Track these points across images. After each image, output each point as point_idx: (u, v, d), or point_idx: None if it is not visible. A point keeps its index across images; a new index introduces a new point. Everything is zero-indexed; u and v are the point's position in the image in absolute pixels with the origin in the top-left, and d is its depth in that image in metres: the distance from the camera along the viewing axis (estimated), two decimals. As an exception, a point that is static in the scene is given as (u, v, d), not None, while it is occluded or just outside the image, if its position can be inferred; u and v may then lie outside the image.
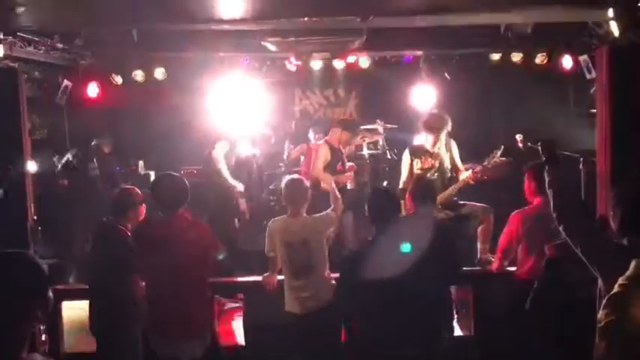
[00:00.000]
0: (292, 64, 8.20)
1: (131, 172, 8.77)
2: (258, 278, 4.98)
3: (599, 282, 2.75)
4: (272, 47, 6.90)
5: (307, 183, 4.79)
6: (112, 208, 4.55)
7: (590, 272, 2.79)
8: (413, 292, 3.54)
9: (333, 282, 4.60)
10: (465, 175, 5.95)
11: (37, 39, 5.87)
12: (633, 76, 4.73)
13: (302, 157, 8.34)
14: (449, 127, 6.04)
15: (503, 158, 5.92)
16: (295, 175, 4.98)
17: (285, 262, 4.59)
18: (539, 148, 3.27)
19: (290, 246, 4.54)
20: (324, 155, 6.58)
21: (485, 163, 5.85)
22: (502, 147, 5.88)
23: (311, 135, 8.14)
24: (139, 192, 4.57)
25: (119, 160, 8.57)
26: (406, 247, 3.62)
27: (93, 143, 8.28)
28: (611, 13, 4.94)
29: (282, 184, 4.73)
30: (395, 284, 3.51)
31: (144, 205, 4.54)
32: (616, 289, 2.16)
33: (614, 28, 5.02)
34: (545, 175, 3.17)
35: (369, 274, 3.63)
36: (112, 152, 8.44)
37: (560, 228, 3.00)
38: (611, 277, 2.36)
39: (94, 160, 8.10)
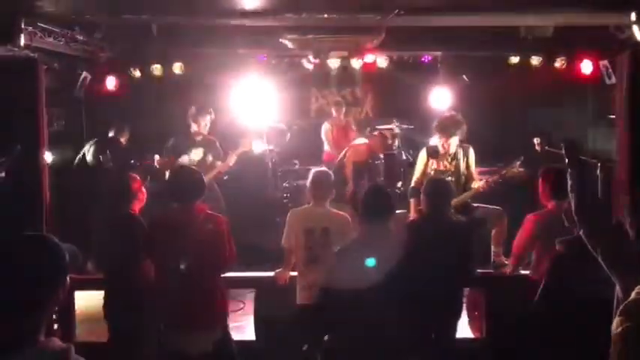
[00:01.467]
0: (310, 62, 8.21)
1: (146, 165, 8.79)
2: (270, 273, 4.99)
3: (617, 288, 2.73)
4: (290, 45, 6.91)
5: (332, 176, 4.83)
6: (121, 196, 4.64)
7: (599, 271, 2.77)
8: (404, 294, 3.47)
9: None
10: (478, 184, 5.92)
11: (57, 30, 5.88)
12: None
13: (325, 145, 8.49)
14: (463, 130, 5.97)
15: (522, 169, 5.88)
16: (322, 168, 5.02)
17: (302, 251, 4.57)
18: (562, 149, 3.24)
19: (310, 233, 4.53)
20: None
21: (504, 172, 5.81)
22: (522, 158, 5.85)
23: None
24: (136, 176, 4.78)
25: (135, 153, 8.59)
26: (371, 262, 3.54)
27: (108, 135, 8.32)
28: (633, 16, 4.89)
29: (310, 176, 4.76)
30: (375, 285, 3.44)
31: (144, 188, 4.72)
32: (633, 296, 2.15)
33: (636, 31, 4.97)
34: (568, 177, 3.14)
35: (351, 273, 3.60)
36: (127, 144, 8.47)
37: (581, 231, 2.98)
38: (630, 282, 2.35)
39: (108, 153, 8.14)
